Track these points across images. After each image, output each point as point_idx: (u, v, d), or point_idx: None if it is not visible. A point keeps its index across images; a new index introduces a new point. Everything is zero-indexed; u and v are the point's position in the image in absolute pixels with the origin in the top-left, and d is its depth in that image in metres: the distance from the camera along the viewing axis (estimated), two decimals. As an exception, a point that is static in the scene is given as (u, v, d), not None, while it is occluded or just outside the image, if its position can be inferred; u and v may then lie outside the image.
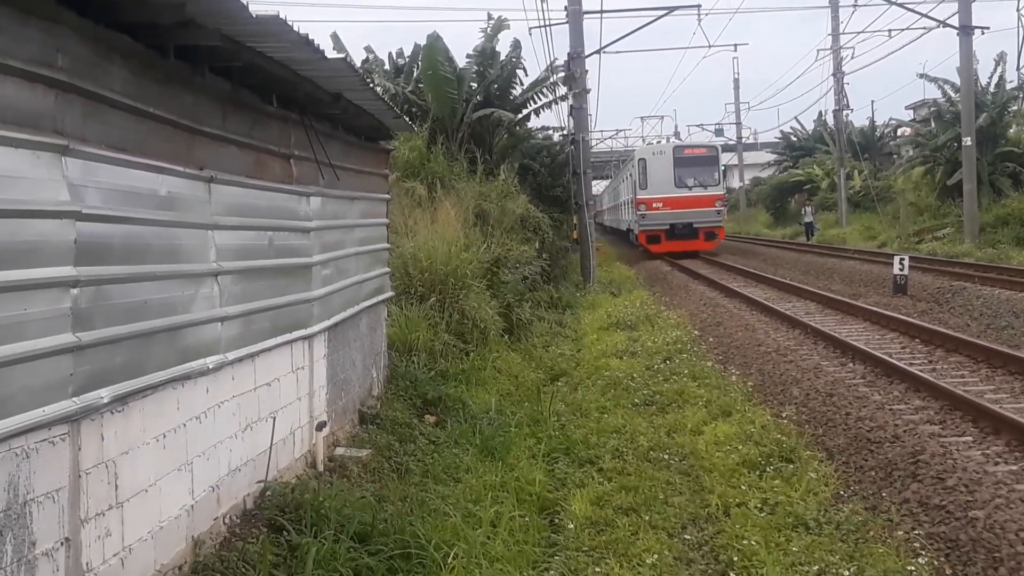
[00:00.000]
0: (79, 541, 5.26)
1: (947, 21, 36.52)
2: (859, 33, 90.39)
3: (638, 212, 47.49)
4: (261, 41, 7.23)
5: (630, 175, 51.81)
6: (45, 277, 4.89)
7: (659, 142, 55.90)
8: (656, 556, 7.89)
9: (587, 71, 32.84)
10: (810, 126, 79.78)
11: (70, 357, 5.09)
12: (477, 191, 24.88)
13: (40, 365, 4.83)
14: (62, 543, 5.08)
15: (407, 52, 35.07)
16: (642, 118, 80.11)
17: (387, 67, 34.69)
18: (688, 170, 46.91)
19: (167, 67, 6.58)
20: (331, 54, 8.28)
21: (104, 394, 5.42)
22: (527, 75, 34.51)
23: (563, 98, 34.12)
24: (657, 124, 75.10)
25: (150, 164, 6.19)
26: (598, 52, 35.61)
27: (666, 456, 10.76)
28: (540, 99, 34.32)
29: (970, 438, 10.50)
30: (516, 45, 34.06)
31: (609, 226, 75.61)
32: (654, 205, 46.59)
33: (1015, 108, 43.10)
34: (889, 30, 47.82)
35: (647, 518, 8.75)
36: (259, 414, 8.19)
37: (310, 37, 7.17)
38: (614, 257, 48.01)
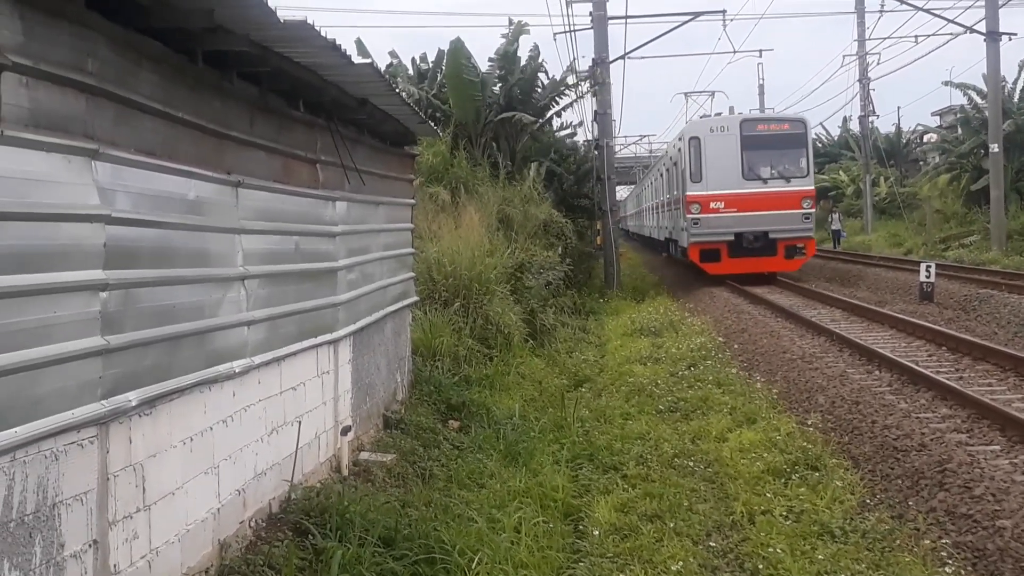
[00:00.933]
0: (107, 543, 5.29)
1: (974, 27, 36.32)
2: (885, 39, 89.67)
3: (688, 216, 32.72)
4: (289, 46, 7.27)
5: (674, 164, 36.90)
6: (75, 280, 4.92)
7: (717, 114, 38.38)
8: (681, 563, 7.86)
9: (610, 82, 32.85)
10: (836, 132, 79.37)
11: (99, 360, 5.12)
12: (500, 196, 24.94)
13: (69, 368, 4.86)
14: (90, 545, 5.11)
15: (431, 57, 35.25)
16: (686, 94, 62.80)
17: (411, 72, 34.82)
18: (762, 154, 32.81)
19: (196, 72, 6.63)
20: (356, 60, 8.31)
21: (132, 397, 5.45)
22: (548, 77, 34.65)
23: (582, 96, 34.28)
24: (707, 102, 59.23)
25: (179, 168, 6.23)
26: (623, 57, 35.59)
27: (691, 463, 10.72)
28: (561, 101, 34.43)
29: (998, 447, 10.41)
30: (535, 49, 34.10)
31: (634, 232, 73.83)
32: (712, 205, 32.31)
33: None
34: (915, 36, 47.52)
35: (672, 525, 8.72)
36: (285, 418, 8.22)
37: (337, 42, 7.20)
38: (639, 264, 47.68)
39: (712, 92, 57.37)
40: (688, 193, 32.86)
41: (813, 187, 33.91)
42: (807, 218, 32.57)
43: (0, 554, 4.35)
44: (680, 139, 35.48)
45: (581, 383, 16.40)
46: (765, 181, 32.16)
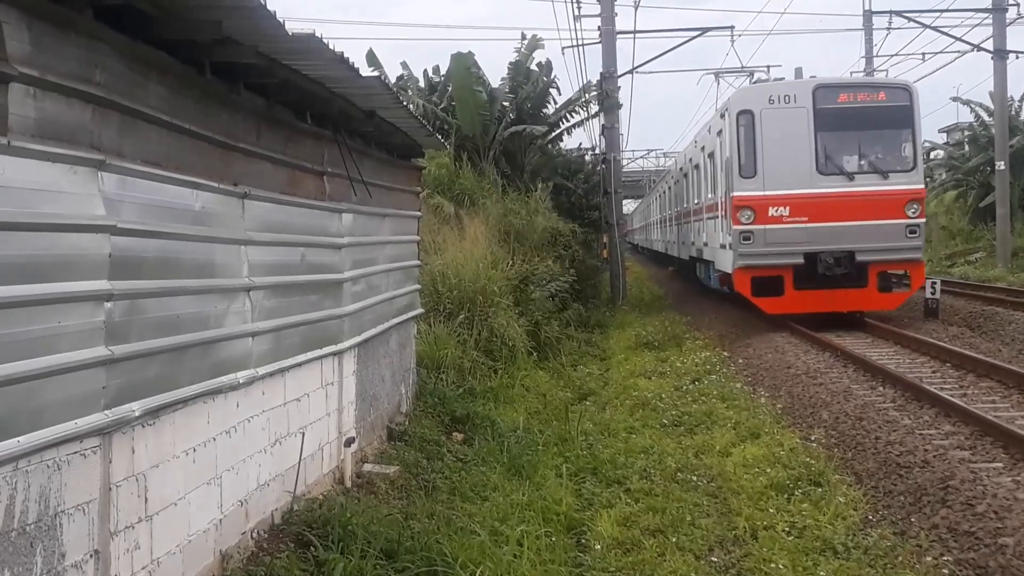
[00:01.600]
0: (108, 553, 5.29)
1: (981, 45, 36.38)
2: (893, 56, 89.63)
3: (735, 227, 22.65)
4: (297, 59, 7.30)
5: (708, 156, 27.53)
6: (80, 291, 4.94)
7: (778, 80, 26.74)
8: (683, 578, 7.88)
9: (619, 87, 32.81)
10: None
11: (103, 370, 5.13)
12: (507, 208, 24.99)
13: (73, 378, 4.87)
14: (91, 555, 5.12)
15: (443, 69, 35.35)
16: (716, 73, 46.10)
17: (421, 84, 34.93)
18: (847, 136, 22.83)
19: (203, 84, 6.65)
20: (366, 71, 8.34)
21: (136, 407, 5.45)
22: (559, 94, 34.70)
23: (594, 116, 34.21)
24: (745, 83, 43.57)
25: (185, 180, 6.24)
26: (631, 72, 35.55)
27: (694, 477, 10.72)
28: (572, 118, 34.46)
29: (1001, 464, 10.40)
30: (548, 64, 34.23)
31: (643, 247, 72.24)
32: (771, 212, 22.30)
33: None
34: (923, 53, 47.37)
35: (674, 539, 8.72)
36: (288, 429, 8.22)
37: (345, 55, 7.22)
38: (645, 278, 47.50)
39: (751, 71, 39.94)
40: (735, 194, 22.71)
41: (923, 185, 23.80)
42: (914, 232, 22.25)
43: (1, 563, 4.36)
44: (722, 116, 24.68)
45: (585, 396, 16.42)
46: (851, 177, 22.36)
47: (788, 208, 22.13)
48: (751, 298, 22.90)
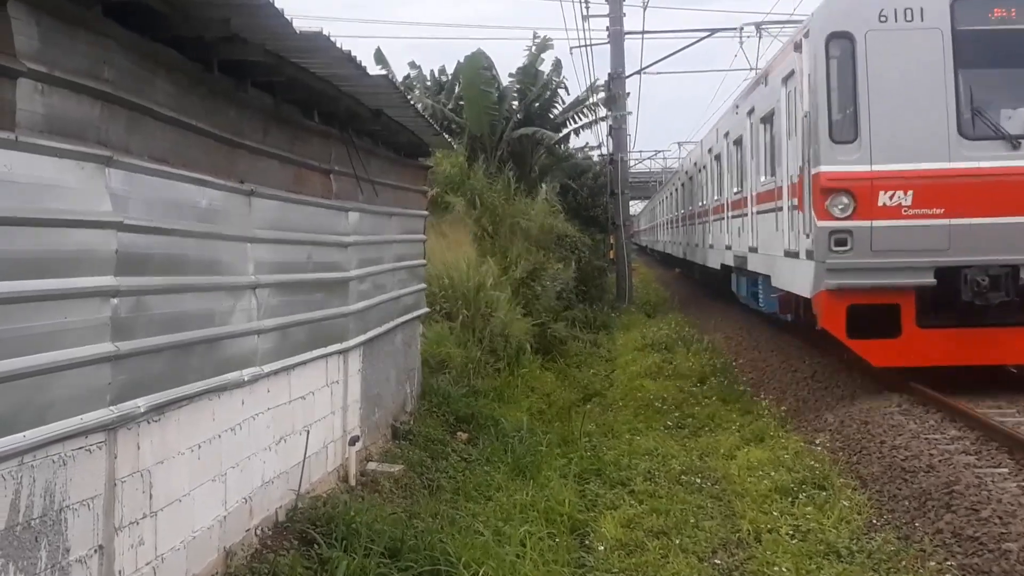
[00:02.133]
0: (112, 549, 5.29)
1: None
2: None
3: (822, 223, 13.59)
4: (304, 57, 7.31)
5: (757, 122, 19.74)
6: (86, 286, 4.94)
7: None
8: (686, 580, 7.86)
9: (628, 94, 32.78)
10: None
11: (108, 366, 5.13)
12: (517, 209, 25.00)
13: (79, 373, 4.87)
14: (96, 550, 5.12)
15: (450, 68, 35.49)
16: (758, 25, 32.71)
17: (429, 83, 34.98)
18: (1007, 77, 14.00)
19: (211, 81, 6.66)
20: (374, 70, 8.35)
21: (141, 404, 5.45)
22: (568, 94, 34.72)
23: (603, 119, 34.21)
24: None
25: (192, 176, 6.25)
26: (638, 73, 35.46)
27: (698, 480, 10.71)
28: (580, 119, 34.46)
29: (1006, 470, 10.36)
30: (557, 64, 34.26)
31: (650, 247, 71.12)
32: (883, 200, 13.41)
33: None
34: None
35: (677, 542, 8.70)
36: (293, 427, 8.23)
37: (352, 53, 7.23)
38: (651, 279, 47.41)
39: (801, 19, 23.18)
40: (823, 169, 13.91)
41: None
42: None
43: (6, 558, 4.36)
44: (797, 47, 15.16)
45: (590, 397, 16.39)
46: (1015, 143, 13.59)
47: (911, 193, 13.65)
48: (846, 340, 14.14)
